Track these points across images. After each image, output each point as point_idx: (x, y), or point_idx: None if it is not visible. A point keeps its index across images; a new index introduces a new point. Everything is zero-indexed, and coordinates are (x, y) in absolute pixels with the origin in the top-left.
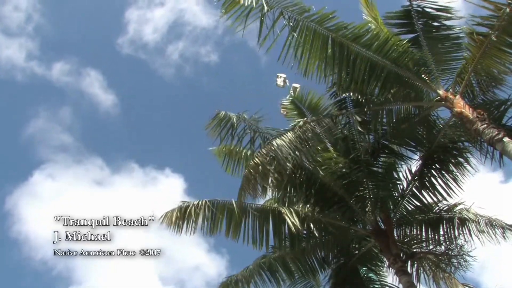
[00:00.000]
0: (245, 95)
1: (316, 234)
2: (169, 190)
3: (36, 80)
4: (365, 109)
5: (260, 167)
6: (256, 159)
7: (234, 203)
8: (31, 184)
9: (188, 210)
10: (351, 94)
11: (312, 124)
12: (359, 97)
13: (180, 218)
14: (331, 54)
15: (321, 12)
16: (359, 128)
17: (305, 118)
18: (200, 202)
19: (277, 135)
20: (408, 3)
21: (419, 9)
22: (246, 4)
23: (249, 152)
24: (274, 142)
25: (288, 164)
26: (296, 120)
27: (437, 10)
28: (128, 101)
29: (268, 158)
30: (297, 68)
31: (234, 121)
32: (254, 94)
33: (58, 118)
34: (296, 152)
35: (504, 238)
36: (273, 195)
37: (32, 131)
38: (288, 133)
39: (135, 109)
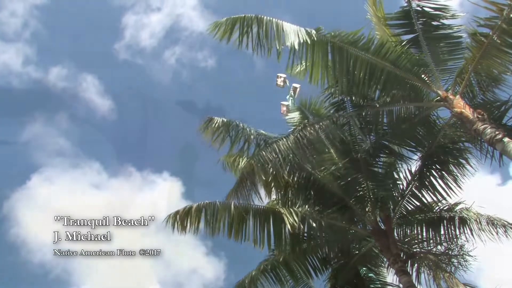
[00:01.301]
0: (242, 99)
1: (317, 235)
2: (167, 193)
3: (33, 85)
4: (365, 110)
5: (257, 170)
6: (252, 162)
7: (233, 206)
8: (28, 188)
9: (190, 212)
10: (353, 97)
11: (312, 127)
12: (360, 99)
13: (183, 220)
14: (331, 60)
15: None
16: (359, 129)
17: (306, 121)
18: (201, 204)
19: (278, 138)
20: (406, 4)
21: (418, 8)
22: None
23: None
24: (274, 146)
25: (285, 168)
26: (297, 122)
27: (436, 9)
28: (125, 105)
29: (267, 161)
30: (301, 75)
31: (221, 126)
32: (251, 98)
33: (55, 122)
34: (295, 154)
35: (506, 237)
36: (275, 196)
37: (29, 136)
38: (290, 136)
39: (132, 113)
